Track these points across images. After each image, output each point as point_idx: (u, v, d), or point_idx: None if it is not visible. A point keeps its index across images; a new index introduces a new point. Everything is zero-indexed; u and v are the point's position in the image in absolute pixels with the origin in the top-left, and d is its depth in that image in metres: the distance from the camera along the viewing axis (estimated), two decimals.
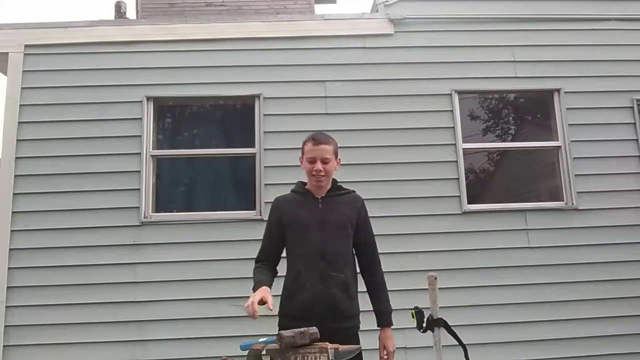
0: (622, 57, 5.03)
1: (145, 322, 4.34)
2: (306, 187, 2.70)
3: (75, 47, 4.80)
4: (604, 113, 4.91)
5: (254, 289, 2.43)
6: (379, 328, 2.65)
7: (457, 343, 2.59)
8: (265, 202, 4.50)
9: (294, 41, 4.91)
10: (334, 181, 2.72)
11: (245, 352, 2.02)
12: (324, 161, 2.61)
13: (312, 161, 2.61)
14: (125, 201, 4.53)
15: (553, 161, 4.95)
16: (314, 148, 2.63)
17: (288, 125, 4.65)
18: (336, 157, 2.70)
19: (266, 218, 4.43)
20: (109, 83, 4.74)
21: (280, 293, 2.59)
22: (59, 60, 4.78)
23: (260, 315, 2.28)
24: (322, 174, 2.61)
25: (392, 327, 2.64)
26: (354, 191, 2.76)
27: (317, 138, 2.66)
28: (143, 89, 4.73)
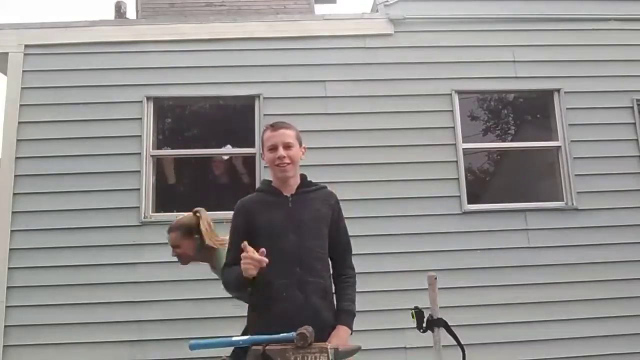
0: (622, 57, 5.03)
1: (145, 322, 4.34)
2: (272, 184, 2.49)
3: (75, 47, 4.80)
4: (604, 113, 4.91)
5: (237, 277, 2.20)
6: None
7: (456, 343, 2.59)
8: None
9: (294, 41, 4.91)
10: (303, 176, 2.52)
11: (195, 352, 2.04)
12: (286, 146, 2.39)
13: (274, 148, 2.39)
14: (125, 201, 4.53)
15: (553, 161, 4.95)
16: (273, 134, 2.41)
17: None
18: (300, 144, 2.49)
19: None
20: (109, 83, 4.74)
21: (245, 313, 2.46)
22: (59, 60, 4.78)
23: None
24: (287, 161, 2.38)
25: (350, 333, 2.36)
26: (325, 186, 2.55)
27: (275, 124, 2.45)
28: (143, 89, 4.73)
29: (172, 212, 4.73)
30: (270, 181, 2.51)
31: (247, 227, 2.37)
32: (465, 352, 2.59)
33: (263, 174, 4.57)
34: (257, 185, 4.57)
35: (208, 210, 4.62)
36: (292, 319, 2.11)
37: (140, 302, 4.35)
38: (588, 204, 4.71)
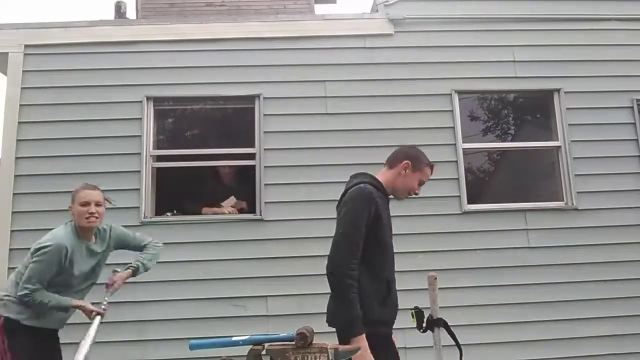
0: (622, 57, 5.03)
1: (145, 322, 4.34)
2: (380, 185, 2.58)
3: (75, 47, 4.80)
4: (604, 113, 4.91)
5: (358, 326, 2.25)
6: None
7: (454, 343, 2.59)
8: (265, 202, 4.50)
9: (294, 41, 4.91)
10: None
11: (195, 352, 2.05)
12: None
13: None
14: (125, 201, 4.52)
15: (553, 161, 4.95)
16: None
17: (288, 125, 4.65)
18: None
19: (266, 218, 4.48)
20: (109, 83, 4.74)
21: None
22: (59, 60, 4.78)
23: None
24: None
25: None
26: None
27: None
28: (143, 89, 4.73)
29: (172, 212, 4.75)
30: (377, 179, 2.60)
31: (373, 217, 2.42)
32: (463, 353, 2.59)
33: (263, 174, 4.58)
34: (257, 185, 4.58)
35: (208, 211, 4.67)
36: (394, 317, 2.53)
37: (140, 302, 4.34)
38: (588, 204, 4.71)
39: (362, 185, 2.48)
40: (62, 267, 2.96)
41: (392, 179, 2.63)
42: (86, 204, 3.04)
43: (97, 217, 3.06)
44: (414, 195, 2.65)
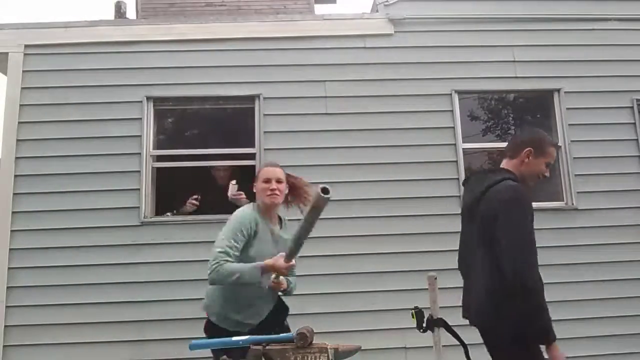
0: (622, 57, 5.03)
1: (145, 322, 4.34)
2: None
3: (75, 47, 4.80)
4: (604, 113, 4.91)
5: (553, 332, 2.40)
6: None
7: (457, 343, 2.59)
8: None
9: (294, 41, 4.91)
10: None
11: (195, 352, 2.04)
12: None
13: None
14: (125, 201, 4.52)
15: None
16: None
17: (288, 125, 4.65)
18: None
19: None
20: (109, 83, 4.74)
21: None
22: (59, 60, 4.78)
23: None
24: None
25: None
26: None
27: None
28: (143, 89, 4.73)
29: (172, 212, 4.75)
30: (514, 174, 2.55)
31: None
32: (468, 348, 2.59)
33: None
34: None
35: (208, 211, 4.66)
36: None
37: (140, 302, 4.35)
38: (588, 204, 4.71)
39: (514, 184, 2.44)
40: (248, 238, 2.83)
41: (516, 169, 2.56)
42: (268, 180, 2.97)
43: (278, 194, 2.96)
44: (542, 178, 2.58)
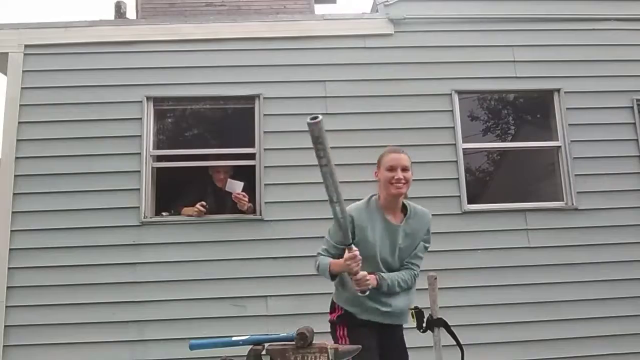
0: (622, 57, 5.02)
1: (145, 322, 4.34)
2: None
3: (75, 47, 4.80)
4: (604, 113, 4.91)
5: None
6: None
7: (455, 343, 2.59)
8: (265, 202, 4.50)
9: (294, 41, 4.91)
10: None
11: (195, 352, 2.05)
12: None
13: None
14: (125, 201, 4.52)
15: (553, 161, 4.95)
16: None
17: (288, 125, 4.65)
18: None
19: (266, 218, 4.48)
20: (109, 83, 4.74)
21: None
22: (59, 60, 4.77)
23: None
24: None
25: None
26: None
27: None
28: (143, 89, 4.73)
29: (172, 212, 4.75)
30: None
31: None
32: (464, 352, 2.60)
33: (263, 174, 4.57)
34: (257, 185, 4.57)
35: (208, 211, 4.66)
36: None
37: (140, 302, 4.35)
38: (588, 204, 4.71)
39: None
40: (352, 235, 2.59)
41: None
42: (392, 168, 2.74)
43: (404, 183, 2.72)
44: None
